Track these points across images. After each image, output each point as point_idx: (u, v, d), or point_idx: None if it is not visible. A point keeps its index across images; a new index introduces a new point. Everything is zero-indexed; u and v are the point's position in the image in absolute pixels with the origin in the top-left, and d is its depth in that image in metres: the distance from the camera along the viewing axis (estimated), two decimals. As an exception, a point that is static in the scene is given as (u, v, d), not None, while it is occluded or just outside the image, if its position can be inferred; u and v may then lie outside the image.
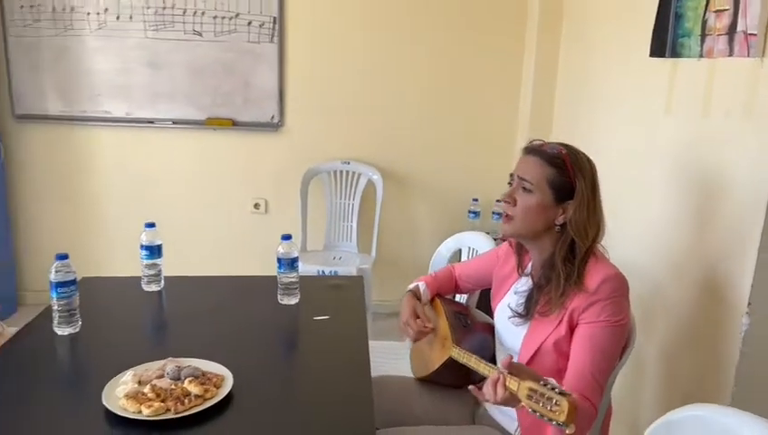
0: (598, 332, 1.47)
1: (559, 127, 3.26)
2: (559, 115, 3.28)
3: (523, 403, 1.21)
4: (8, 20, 3.42)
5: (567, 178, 1.52)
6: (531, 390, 1.17)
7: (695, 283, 1.92)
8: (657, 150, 2.16)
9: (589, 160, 1.55)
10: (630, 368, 2.16)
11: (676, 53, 2.02)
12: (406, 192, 3.70)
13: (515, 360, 1.58)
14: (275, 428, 1.37)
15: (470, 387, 1.35)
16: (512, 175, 1.59)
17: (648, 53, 2.15)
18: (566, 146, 1.56)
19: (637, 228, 2.24)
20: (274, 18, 3.42)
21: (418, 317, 1.76)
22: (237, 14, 3.42)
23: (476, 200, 3.54)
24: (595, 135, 2.69)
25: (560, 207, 1.53)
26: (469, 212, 3.53)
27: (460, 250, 2.41)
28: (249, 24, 3.43)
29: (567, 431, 1.12)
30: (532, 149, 1.57)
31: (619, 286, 1.49)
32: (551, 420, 1.13)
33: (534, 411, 1.17)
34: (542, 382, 1.18)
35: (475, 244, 2.32)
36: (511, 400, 1.25)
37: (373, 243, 3.55)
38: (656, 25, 2.12)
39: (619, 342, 1.51)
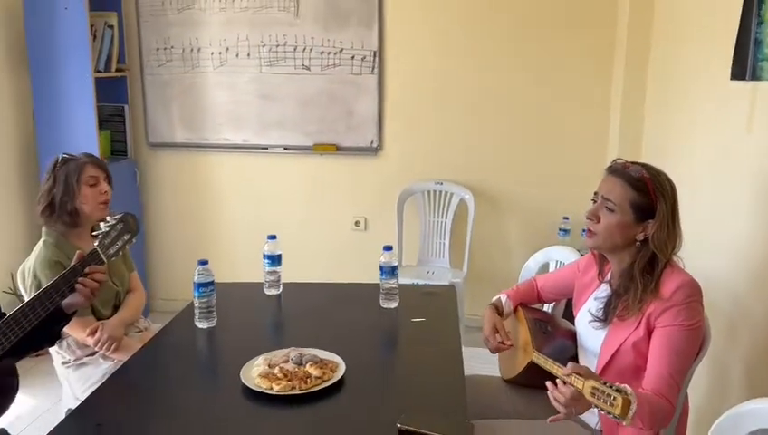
0: (674, 335, 1.60)
1: (648, 147, 3.35)
2: (648, 136, 3.36)
3: (589, 402, 1.38)
4: (145, 61, 3.94)
5: (648, 200, 1.65)
6: (593, 388, 1.35)
7: (777, 296, 2.00)
8: (740, 168, 2.25)
9: (669, 181, 1.68)
10: (714, 377, 2.24)
11: (756, 77, 2.12)
12: (497, 210, 3.88)
13: (596, 361, 1.76)
14: (381, 407, 1.61)
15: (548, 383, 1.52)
16: (596, 193, 1.74)
17: (729, 76, 2.26)
18: (648, 168, 1.69)
19: (720, 243, 2.33)
20: (375, 52, 3.74)
21: (497, 332, 1.95)
22: (342, 50, 3.76)
23: (567, 218, 3.66)
24: (680, 153, 2.78)
25: (640, 226, 1.67)
26: (559, 230, 3.66)
27: (548, 263, 2.58)
28: (352, 58, 3.76)
29: (624, 423, 1.29)
30: (615, 170, 1.71)
31: (692, 292, 1.62)
32: (609, 413, 1.31)
33: (596, 406, 1.35)
34: (602, 381, 1.35)
35: (562, 257, 2.48)
36: (578, 400, 1.41)
37: (465, 259, 3.75)
38: (736, 51, 2.22)
39: (694, 343, 1.64)
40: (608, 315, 1.75)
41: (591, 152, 3.69)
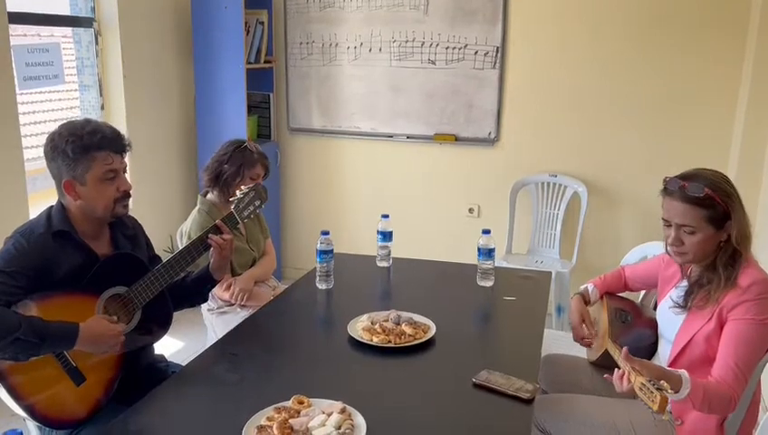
0: (743, 327, 1.71)
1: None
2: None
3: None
4: (290, 54, 4.39)
5: (721, 209, 1.74)
6: (642, 384, 1.52)
7: None
8: None
9: (726, 181, 1.77)
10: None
11: None
12: (610, 204, 3.94)
13: (670, 349, 1.88)
14: (462, 365, 1.85)
15: (605, 376, 1.69)
16: (665, 220, 1.82)
17: None
18: (706, 181, 1.75)
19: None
20: (497, 48, 3.92)
21: (584, 322, 2.12)
22: (466, 45, 3.98)
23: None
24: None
25: (722, 231, 1.77)
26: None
27: (645, 258, 2.67)
28: (475, 53, 3.97)
29: (664, 418, 1.45)
30: (675, 193, 1.78)
31: (766, 289, 1.72)
32: (650, 408, 1.47)
33: (642, 400, 1.51)
34: (649, 380, 1.50)
35: (658, 252, 2.56)
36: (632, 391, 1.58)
37: (575, 250, 3.86)
38: None
39: (764, 337, 1.72)
40: (687, 302, 1.86)
41: (710, 150, 3.66)
